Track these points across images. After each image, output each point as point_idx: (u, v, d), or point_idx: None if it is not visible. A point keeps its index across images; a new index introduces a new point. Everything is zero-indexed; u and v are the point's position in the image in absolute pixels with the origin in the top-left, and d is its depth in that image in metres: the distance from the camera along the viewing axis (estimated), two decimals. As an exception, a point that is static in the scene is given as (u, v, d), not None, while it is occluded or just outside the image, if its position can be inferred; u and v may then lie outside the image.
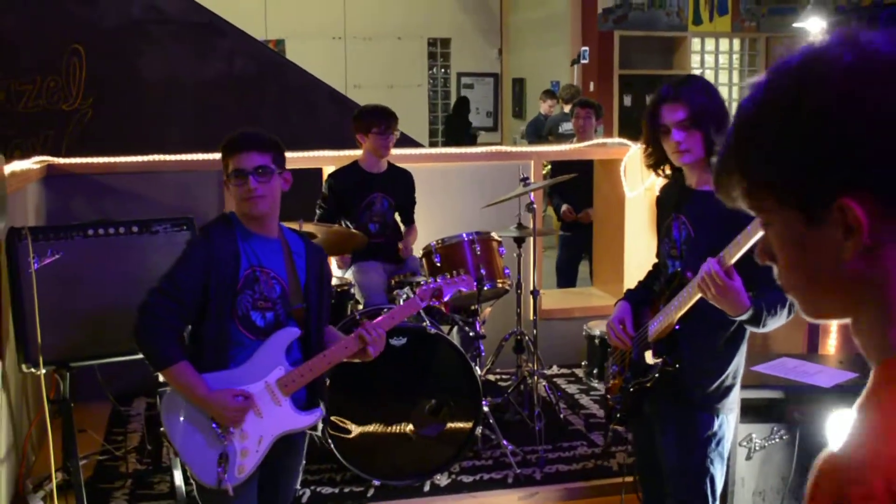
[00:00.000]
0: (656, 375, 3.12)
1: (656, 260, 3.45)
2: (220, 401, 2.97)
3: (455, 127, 13.40)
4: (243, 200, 3.02)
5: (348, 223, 5.25)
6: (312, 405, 3.18)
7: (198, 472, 3.03)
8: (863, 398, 1.00)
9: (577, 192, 6.97)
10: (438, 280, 3.55)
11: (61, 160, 5.61)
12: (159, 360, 3.00)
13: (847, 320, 1.06)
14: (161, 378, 3.19)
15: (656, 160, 3.21)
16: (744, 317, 2.84)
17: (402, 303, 4.56)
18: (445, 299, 3.55)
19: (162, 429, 3.14)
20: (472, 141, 13.59)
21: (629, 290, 3.44)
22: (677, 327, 3.07)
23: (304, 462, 3.40)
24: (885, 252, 0.98)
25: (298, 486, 3.54)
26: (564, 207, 7.22)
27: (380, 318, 3.31)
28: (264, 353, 3.07)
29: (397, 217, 5.42)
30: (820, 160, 0.97)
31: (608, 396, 3.54)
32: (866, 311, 1.03)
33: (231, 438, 3.01)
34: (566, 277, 7.56)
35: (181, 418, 3.05)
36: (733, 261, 2.73)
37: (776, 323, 2.90)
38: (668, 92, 3.07)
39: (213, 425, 3.01)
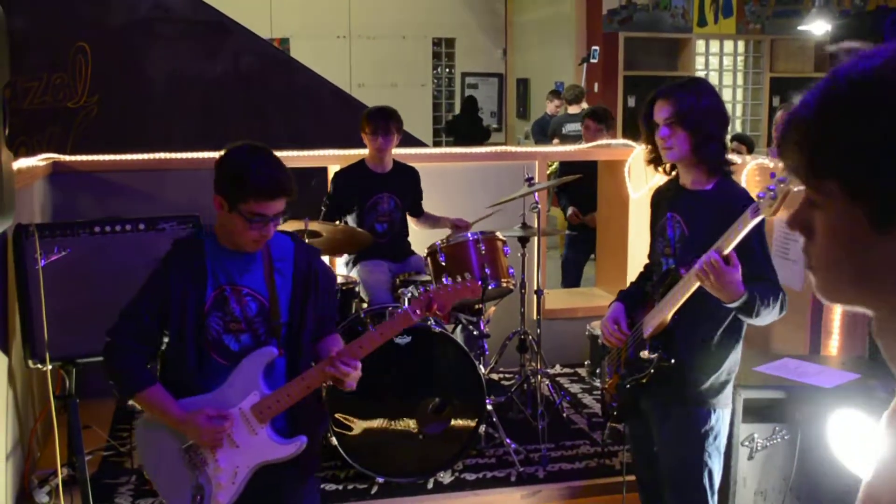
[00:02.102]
0: (651, 371, 3.15)
1: (647, 261, 3.49)
2: (192, 421, 2.81)
3: (466, 126, 13.43)
4: (252, 241, 2.84)
5: (351, 221, 5.27)
6: (295, 432, 2.94)
7: None
8: (891, 413, 0.97)
9: (585, 193, 6.98)
10: (440, 287, 2.99)
11: (67, 157, 5.64)
12: (127, 385, 2.88)
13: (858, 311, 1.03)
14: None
15: (655, 156, 3.27)
16: (738, 303, 2.88)
17: (406, 303, 4.59)
18: (444, 312, 3.01)
19: (139, 463, 3.05)
20: (487, 136, 13.61)
21: (622, 291, 3.48)
22: (671, 323, 3.11)
23: (314, 493, 3.19)
24: None
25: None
26: (570, 211, 7.23)
27: (357, 342, 2.92)
28: (238, 378, 2.87)
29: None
30: None
31: (605, 394, 3.58)
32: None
33: (204, 470, 2.87)
34: (571, 277, 7.56)
35: (155, 450, 2.95)
36: (729, 249, 2.79)
37: (768, 315, 2.95)
38: (661, 91, 3.16)
39: (185, 457, 2.89)
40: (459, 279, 3.01)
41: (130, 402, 2.95)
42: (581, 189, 6.49)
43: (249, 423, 2.87)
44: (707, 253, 2.83)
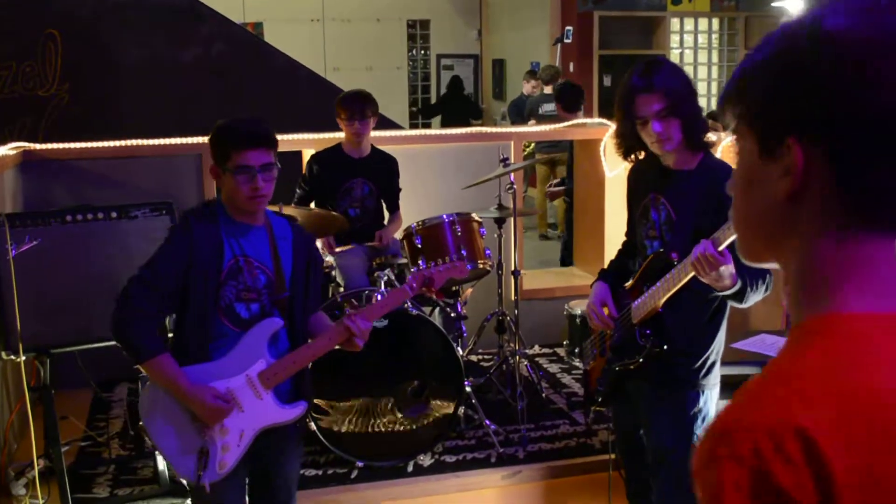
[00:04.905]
0: (640, 360, 3.14)
1: (625, 238, 3.47)
2: (199, 398, 2.90)
3: (455, 105, 13.40)
4: (248, 198, 2.94)
5: (327, 206, 5.24)
6: (297, 398, 3.11)
7: (176, 466, 2.98)
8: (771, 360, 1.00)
9: None
10: (430, 267, 3.31)
11: (38, 146, 5.57)
12: (138, 352, 2.91)
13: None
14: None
15: (628, 147, 3.21)
16: (730, 292, 2.88)
17: (382, 287, 4.58)
18: (436, 288, 3.32)
19: (141, 423, 3.08)
20: (480, 114, 13.59)
21: (603, 271, 3.45)
22: (661, 309, 3.09)
23: (301, 455, 3.33)
24: (815, 206, 0.97)
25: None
26: None
27: (366, 308, 3.17)
28: (246, 345, 2.99)
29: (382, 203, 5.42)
30: (786, 95, 0.97)
31: (588, 377, 3.57)
32: (789, 265, 1.02)
33: (211, 433, 2.95)
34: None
35: (161, 411, 2.98)
36: (726, 244, 2.76)
37: (755, 297, 2.96)
38: (640, 82, 3.03)
39: (193, 419, 2.94)
40: (449, 259, 3.34)
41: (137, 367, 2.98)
42: None
43: (256, 389, 3.01)
44: (702, 243, 2.79)
